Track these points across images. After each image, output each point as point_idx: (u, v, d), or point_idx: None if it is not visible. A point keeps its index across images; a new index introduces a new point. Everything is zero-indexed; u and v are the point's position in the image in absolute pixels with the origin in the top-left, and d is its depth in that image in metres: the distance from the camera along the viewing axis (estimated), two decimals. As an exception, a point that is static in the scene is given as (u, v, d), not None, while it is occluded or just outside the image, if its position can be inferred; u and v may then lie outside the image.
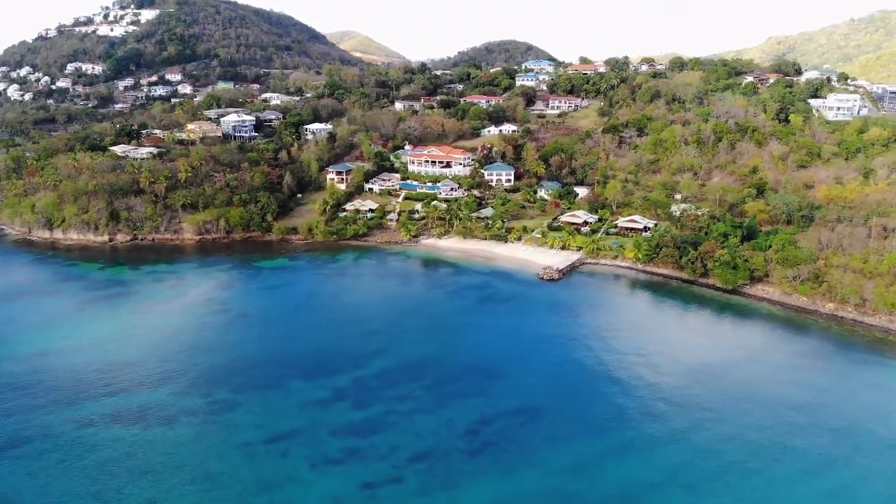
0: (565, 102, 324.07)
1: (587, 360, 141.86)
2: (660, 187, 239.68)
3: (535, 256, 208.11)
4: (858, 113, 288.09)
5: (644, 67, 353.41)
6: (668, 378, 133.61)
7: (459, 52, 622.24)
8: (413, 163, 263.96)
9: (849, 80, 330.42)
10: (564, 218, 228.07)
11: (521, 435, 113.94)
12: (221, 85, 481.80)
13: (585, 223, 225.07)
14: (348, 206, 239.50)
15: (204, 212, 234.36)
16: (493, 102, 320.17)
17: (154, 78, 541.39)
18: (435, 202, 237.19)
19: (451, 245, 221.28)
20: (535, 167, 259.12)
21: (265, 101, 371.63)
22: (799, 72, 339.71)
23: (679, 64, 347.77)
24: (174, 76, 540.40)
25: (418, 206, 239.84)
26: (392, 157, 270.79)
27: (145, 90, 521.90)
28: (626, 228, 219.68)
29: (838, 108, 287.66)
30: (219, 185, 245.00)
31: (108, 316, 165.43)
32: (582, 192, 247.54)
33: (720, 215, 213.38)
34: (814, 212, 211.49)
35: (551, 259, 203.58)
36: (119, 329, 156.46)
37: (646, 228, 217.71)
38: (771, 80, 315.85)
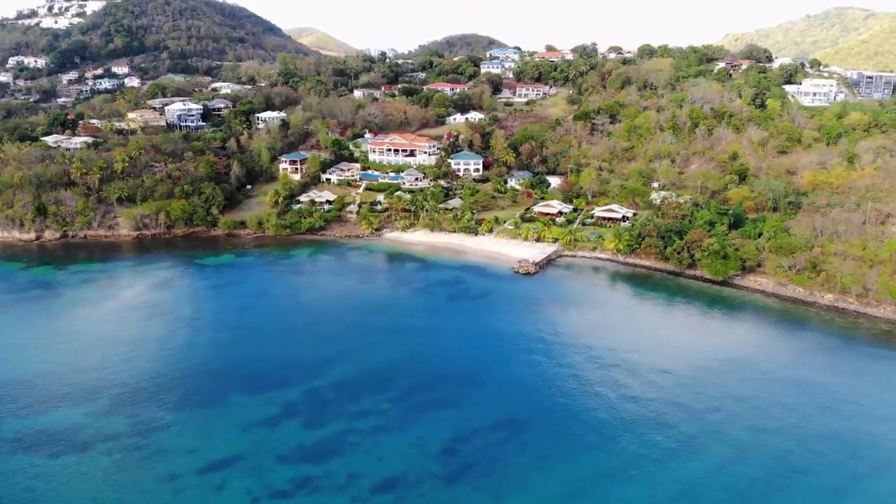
0: (533, 90, 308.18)
1: (573, 363, 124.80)
2: (636, 175, 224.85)
3: (508, 249, 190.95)
4: (835, 98, 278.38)
5: (612, 56, 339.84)
6: (663, 382, 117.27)
7: (420, 46, 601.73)
8: (374, 151, 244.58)
9: (821, 67, 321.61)
10: (538, 208, 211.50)
11: (506, 453, 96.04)
12: (171, 77, 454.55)
13: (560, 213, 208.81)
14: (303, 198, 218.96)
15: (142, 205, 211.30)
16: (458, 90, 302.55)
17: (99, 71, 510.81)
18: (399, 193, 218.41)
19: (418, 238, 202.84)
20: (504, 156, 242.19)
21: (215, 90, 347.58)
22: (770, 59, 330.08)
23: (648, 52, 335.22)
24: (121, 69, 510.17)
25: (380, 197, 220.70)
26: (351, 146, 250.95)
27: (90, 83, 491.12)
28: (604, 218, 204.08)
29: (814, 94, 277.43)
30: (159, 176, 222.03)
31: (24, 321, 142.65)
32: (555, 181, 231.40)
33: (703, 203, 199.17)
34: (801, 198, 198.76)
35: (526, 252, 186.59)
36: (34, 336, 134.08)
37: (624, 218, 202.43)
38: (743, 66, 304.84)
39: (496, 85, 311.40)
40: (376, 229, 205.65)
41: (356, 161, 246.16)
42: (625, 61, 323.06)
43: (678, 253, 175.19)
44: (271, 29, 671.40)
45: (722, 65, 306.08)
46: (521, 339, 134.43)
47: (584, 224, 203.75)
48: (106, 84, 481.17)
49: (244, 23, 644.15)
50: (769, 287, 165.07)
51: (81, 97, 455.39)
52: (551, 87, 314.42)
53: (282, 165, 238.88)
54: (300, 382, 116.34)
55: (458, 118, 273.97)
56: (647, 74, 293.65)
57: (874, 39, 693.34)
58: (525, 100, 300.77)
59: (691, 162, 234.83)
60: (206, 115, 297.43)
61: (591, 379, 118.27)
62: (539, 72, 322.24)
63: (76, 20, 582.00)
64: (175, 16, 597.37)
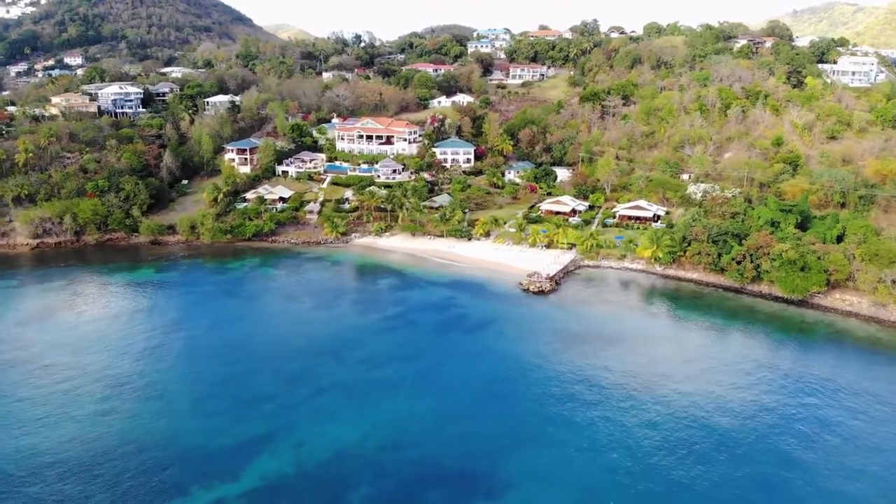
0: (528, 71, 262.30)
1: (637, 447, 78.70)
2: (662, 165, 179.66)
3: (511, 258, 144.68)
4: (875, 79, 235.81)
5: (615, 35, 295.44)
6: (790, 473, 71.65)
7: (400, 37, 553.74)
8: (342, 139, 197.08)
9: (850, 46, 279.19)
10: (545, 206, 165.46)
11: None
12: (113, 60, 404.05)
13: (574, 212, 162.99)
14: (250, 195, 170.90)
15: (44, 206, 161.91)
16: (442, 71, 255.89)
17: (51, 62, 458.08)
18: (372, 188, 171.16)
19: (395, 245, 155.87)
20: (500, 143, 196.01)
21: (163, 74, 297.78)
22: (791, 38, 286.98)
23: (656, 30, 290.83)
24: (74, 59, 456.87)
25: (348, 193, 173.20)
26: (315, 133, 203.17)
27: (40, 75, 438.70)
28: (630, 218, 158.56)
29: (853, 73, 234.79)
30: (70, 169, 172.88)
31: None
32: (562, 173, 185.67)
33: (757, 197, 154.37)
34: (873, 191, 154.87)
35: (535, 262, 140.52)
36: None
37: (656, 217, 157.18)
38: (767, 44, 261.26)
39: (486, 65, 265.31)
40: (342, 234, 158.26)
41: (321, 150, 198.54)
42: (632, 39, 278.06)
43: (738, 263, 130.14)
44: (240, 19, 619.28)
45: (743, 42, 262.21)
46: (548, 402, 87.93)
47: (604, 225, 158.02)
48: (57, 75, 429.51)
49: (210, 11, 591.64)
50: (864, 308, 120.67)
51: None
52: (549, 67, 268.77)
53: (227, 156, 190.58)
54: (196, 492, 69.05)
55: (443, 101, 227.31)
56: (661, 52, 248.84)
57: (869, 31, 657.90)
58: (520, 81, 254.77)
59: (725, 149, 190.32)
60: (148, 100, 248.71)
61: (676, 477, 72.23)
62: (535, 51, 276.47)
63: (29, 9, 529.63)
64: (135, 3, 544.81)
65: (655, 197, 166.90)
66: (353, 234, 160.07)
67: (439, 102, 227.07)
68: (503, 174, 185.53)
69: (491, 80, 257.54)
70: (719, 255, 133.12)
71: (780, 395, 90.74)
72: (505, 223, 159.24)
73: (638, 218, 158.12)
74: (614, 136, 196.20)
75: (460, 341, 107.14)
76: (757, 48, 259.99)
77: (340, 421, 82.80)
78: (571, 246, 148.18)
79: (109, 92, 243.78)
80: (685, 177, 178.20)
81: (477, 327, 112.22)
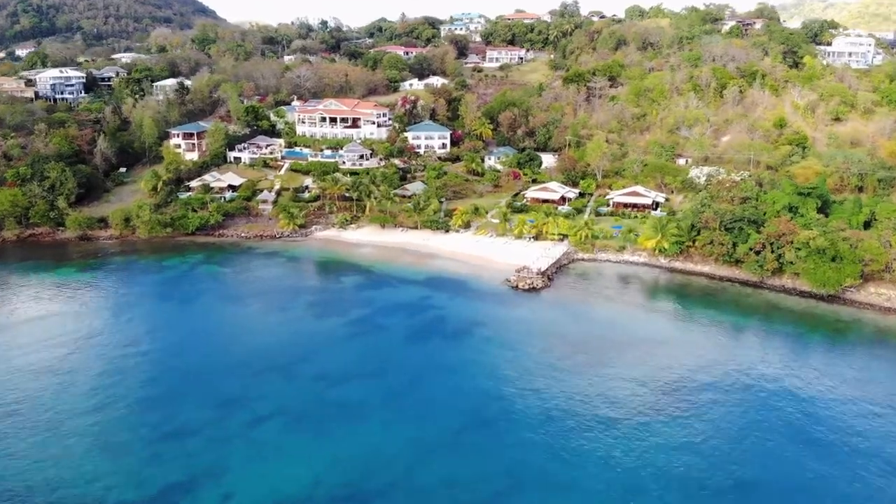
0: (506, 54, 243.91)
1: (674, 477, 59.98)
2: (656, 148, 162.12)
3: (496, 252, 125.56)
4: (872, 60, 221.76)
5: (596, 19, 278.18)
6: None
7: (370, 23, 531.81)
8: (303, 122, 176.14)
9: (839, 29, 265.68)
10: (531, 193, 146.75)
11: None
12: (59, 45, 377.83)
13: (564, 200, 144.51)
14: (195, 184, 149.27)
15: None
16: (414, 53, 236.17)
17: (2, 54, 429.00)
18: (336, 175, 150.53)
19: (362, 238, 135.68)
20: (478, 127, 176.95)
21: (112, 60, 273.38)
22: (779, 21, 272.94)
23: (638, 13, 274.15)
24: (25, 51, 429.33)
25: (308, 181, 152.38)
26: (273, 116, 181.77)
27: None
28: (626, 205, 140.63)
29: (850, 55, 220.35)
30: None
31: None
32: (547, 159, 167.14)
33: (769, 181, 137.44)
34: (893, 173, 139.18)
35: (522, 255, 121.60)
36: None
37: (655, 204, 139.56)
38: (757, 25, 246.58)
39: (461, 48, 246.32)
40: (301, 226, 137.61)
41: (279, 135, 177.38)
42: (615, 21, 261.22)
43: (757, 253, 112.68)
44: (203, 10, 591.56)
45: (731, 24, 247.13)
46: (552, 427, 68.80)
47: (597, 214, 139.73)
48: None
49: (171, 2, 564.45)
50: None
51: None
52: (528, 50, 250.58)
53: (173, 141, 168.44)
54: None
55: (415, 84, 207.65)
56: (647, 33, 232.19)
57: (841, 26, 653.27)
58: (497, 65, 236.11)
59: (722, 132, 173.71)
60: (91, 85, 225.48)
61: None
62: (512, 33, 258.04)
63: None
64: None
65: (653, 182, 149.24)
66: (314, 227, 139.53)
67: (411, 85, 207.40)
68: (483, 160, 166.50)
69: (466, 63, 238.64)
70: (734, 245, 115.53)
71: (849, 416, 72.86)
72: (487, 213, 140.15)
73: (635, 205, 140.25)
74: (602, 118, 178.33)
75: (439, 351, 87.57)
76: (746, 29, 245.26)
77: (285, 460, 62.79)
78: (563, 237, 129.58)
79: (48, 76, 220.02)
80: (681, 161, 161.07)
81: (459, 333, 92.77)
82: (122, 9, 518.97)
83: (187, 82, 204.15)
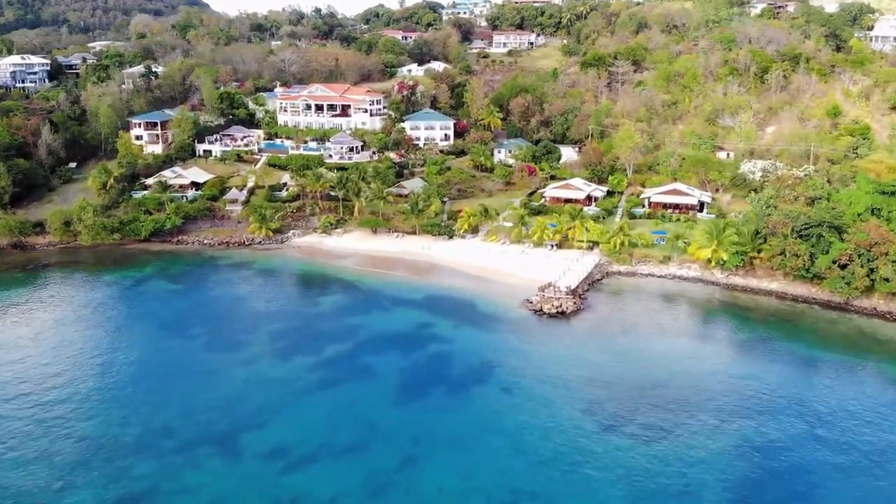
0: (515, 38, 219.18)
1: None
2: (694, 139, 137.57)
3: (511, 263, 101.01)
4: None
5: (612, 1, 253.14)
6: None
7: (366, 10, 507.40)
8: (285, 110, 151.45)
9: (876, 13, 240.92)
10: (551, 192, 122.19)
11: None
12: (24, 31, 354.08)
13: (590, 199, 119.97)
14: (152, 181, 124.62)
15: None
16: (413, 38, 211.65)
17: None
18: (319, 170, 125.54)
19: (349, 246, 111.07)
20: (486, 116, 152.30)
21: (86, 47, 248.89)
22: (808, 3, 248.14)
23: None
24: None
25: (286, 177, 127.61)
26: (252, 104, 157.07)
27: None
28: (667, 206, 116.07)
29: (895, 38, 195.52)
30: None
31: None
32: (567, 152, 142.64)
33: (839, 178, 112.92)
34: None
35: (545, 268, 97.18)
36: None
37: (701, 205, 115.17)
38: (790, 8, 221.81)
39: (465, 32, 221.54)
40: (275, 231, 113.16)
41: (258, 126, 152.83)
42: (633, 2, 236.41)
43: (842, 267, 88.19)
44: (195, 2, 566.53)
45: (762, 6, 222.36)
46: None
47: (631, 216, 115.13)
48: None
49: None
50: None
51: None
52: (538, 35, 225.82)
53: (134, 132, 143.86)
54: None
55: (414, 70, 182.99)
56: (671, 15, 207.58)
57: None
58: (505, 50, 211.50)
59: (767, 121, 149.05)
60: (57, 73, 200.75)
61: None
62: (521, 17, 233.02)
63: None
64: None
65: (696, 179, 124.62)
66: (291, 232, 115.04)
67: (409, 71, 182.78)
68: (492, 153, 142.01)
69: (471, 48, 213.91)
70: (811, 258, 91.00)
71: None
72: (498, 215, 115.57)
73: (677, 206, 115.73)
74: (629, 106, 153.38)
75: (443, 409, 63.06)
76: (778, 12, 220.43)
77: None
78: (593, 245, 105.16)
79: (7, 63, 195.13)
80: (722, 154, 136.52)
81: (469, 380, 68.26)
82: (109, 1, 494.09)
83: (157, 68, 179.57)
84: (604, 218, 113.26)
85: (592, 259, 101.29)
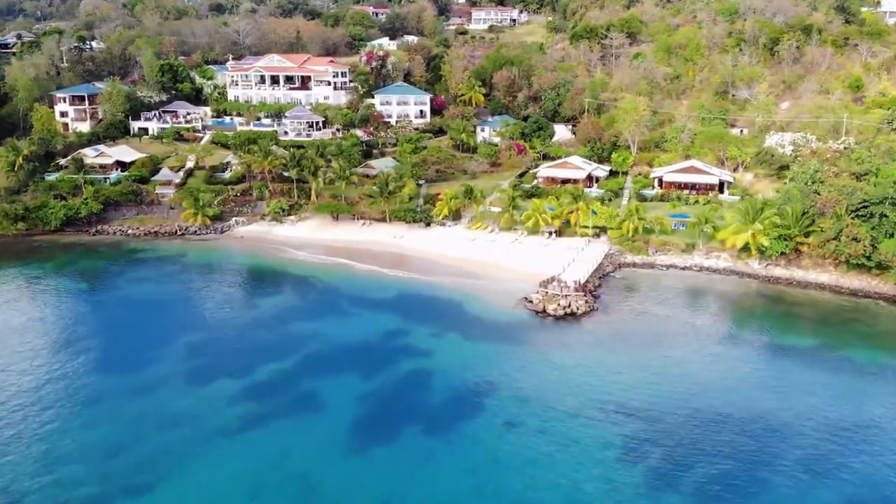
0: (496, 14, 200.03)
1: None
2: (703, 112, 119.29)
3: (503, 255, 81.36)
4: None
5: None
6: None
7: None
8: (236, 83, 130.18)
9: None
10: (546, 171, 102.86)
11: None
12: None
13: (592, 180, 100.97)
14: (67, 161, 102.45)
15: None
16: (384, 13, 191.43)
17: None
18: (274, 147, 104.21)
19: (305, 235, 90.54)
20: (466, 91, 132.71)
21: (30, 28, 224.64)
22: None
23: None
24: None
25: (230, 157, 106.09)
26: (198, 77, 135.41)
27: None
28: (682, 186, 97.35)
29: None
30: None
31: None
32: (560, 130, 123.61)
33: (884, 151, 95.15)
34: None
35: (544, 259, 77.93)
36: None
37: (721, 185, 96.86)
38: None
39: (441, 7, 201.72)
40: (215, 218, 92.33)
41: (206, 102, 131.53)
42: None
43: (916, 254, 70.17)
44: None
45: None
46: None
47: (643, 198, 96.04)
48: None
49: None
50: None
51: None
52: (521, 11, 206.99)
53: (59, 107, 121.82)
54: None
55: (385, 43, 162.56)
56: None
57: None
58: (485, 26, 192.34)
59: (782, 96, 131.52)
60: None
61: None
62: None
63: None
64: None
65: (712, 156, 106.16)
66: (235, 220, 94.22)
67: (379, 44, 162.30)
68: (474, 131, 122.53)
69: (448, 25, 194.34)
70: (873, 244, 72.83)
71: None
72: (484, 198, 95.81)
73: (694, 186, 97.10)
74: (627, 79, 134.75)
75: (418, 460, 43.23)
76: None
77: None
78: (599, 232, 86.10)
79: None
80: (735, 131, 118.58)
81: (456, 412, 48.46)
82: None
83: (96, 44, 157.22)
84: (610, 200, 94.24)
85: (601, 248, 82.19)
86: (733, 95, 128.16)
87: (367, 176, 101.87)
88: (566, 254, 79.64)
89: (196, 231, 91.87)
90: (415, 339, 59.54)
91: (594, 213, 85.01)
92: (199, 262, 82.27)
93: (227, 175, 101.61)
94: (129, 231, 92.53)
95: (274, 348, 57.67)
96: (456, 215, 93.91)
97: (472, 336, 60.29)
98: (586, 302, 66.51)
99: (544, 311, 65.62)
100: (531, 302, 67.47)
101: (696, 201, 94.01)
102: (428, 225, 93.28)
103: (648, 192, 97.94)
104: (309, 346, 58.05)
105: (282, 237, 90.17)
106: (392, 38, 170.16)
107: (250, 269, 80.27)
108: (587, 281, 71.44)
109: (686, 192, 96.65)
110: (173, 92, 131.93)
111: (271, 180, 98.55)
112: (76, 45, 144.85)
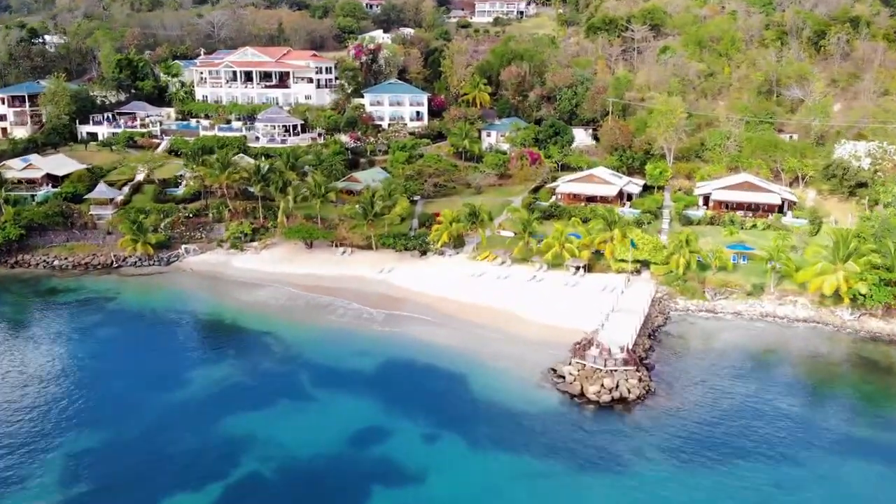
0: (501, 5, 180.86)
1: None
2: (747, 115, 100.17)
3: (518, 298, 62.22)
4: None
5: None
6: None
7: None
8: (204, 81, 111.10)
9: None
10: (567, 186, 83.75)
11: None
12: None
13: (624, 197, 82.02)
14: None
15: None
16: (379, 5, 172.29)
17: None
18: (237, 157, 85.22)
19: (269, 269, 71.46)
20: (470, 89, 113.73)
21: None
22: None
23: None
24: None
25: (184, 169, 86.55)
26: (162, 74, 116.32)
27: None
28: (735, 205, 78.27)
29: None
30: None
31: None
32: (579, 135, 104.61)
33: None
34: None
35: (571, 305, 59.05)
36: None
37: (785, 206, 77.90)
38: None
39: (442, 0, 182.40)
40: (160, 246, 73.42)
41: (170, 104, 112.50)
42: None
43: None
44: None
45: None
46: None
47: (687, 221, 76.99)
48: None
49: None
50: None
51: None
52: (529, 3, 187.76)
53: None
54: None
55: (377, 37, 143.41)
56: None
57: None
58: (490, 19, 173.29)
59: (836, 96, 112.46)
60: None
61: None
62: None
63: None
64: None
65: (766, 169, 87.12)
66: (186, 247, 75.21)
67: (371, 38, 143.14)
68: (479, 136, 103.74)
69: (449, 18, 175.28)
70: None
71: None
72: (492, 220, 76.73)
73: (749, 206, 78.17)
74: (655, 77, 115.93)
75: None
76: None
77: None
78: (639, 267, 67.13)
79: None
80: (784, 137, 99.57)
81: None
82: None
83: (53, 38, 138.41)
84: (648, 224, 75.32)
85: (646, 290, 63.23)
86: (778, 95, 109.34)
87: (350, 192, 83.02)
88: (601, 298, 60.78)
89: (136, 262, 73.05)
90: (399, 446, 40.67)
91: (634, 244, 65.93)
92: (130, 308, 63.38)
93: (179, 192, 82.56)
94: (56, 262, 73.59)
95: (190, 467, 38.84)
96: (458, 241, 75.02)
97: (481, 442, 41.41)
98: (640, 380, 47.61)
99: (582, 394, 46.72)
100: (562, 378, 48.60)
101: (754, 225, 75.22)
102: (424, 254, 74.45)
103: (694, 212, 79.04)
104: (242, 464, 39.19)
105: (241, 270, 71.25)
106: (386, 30, 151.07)
107: (192, 321, 61.32)
108: (636, 343, 52.53)
109: (741, 213, 77.76)
110: (133, 91, 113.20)
111: (232, 197, 79.59)
112: (23, 38, 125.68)
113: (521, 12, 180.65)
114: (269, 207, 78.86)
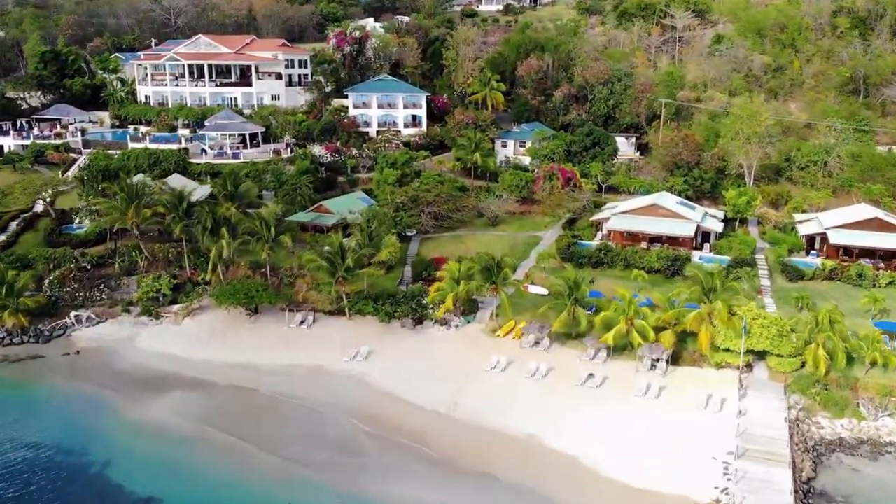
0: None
1: None
2: (840, 121, 75.44)
3: (570, 422, 38.13)
4: None
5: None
6: None
7: None
8: (150, 79, 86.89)
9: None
10: (619, 222, 59.24)
11: None
12: None
13: (702, 238, 57.75)
14: None
15: None
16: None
17: None
18: (154, 183, 60.66)
19: (191, 354, 47.53)
20: (479, 88, 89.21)
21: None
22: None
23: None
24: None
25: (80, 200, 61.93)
26: (98, 68, 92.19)
27: None
28: (859, 252, 54.02)
29: None
30: None
31: None
32: (622, 144, 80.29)
33: None
34: None
35: (655, 432, 35.01)
36: None
37: (929, 251, 53.61)
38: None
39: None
40: (38, 314, 49.31)
41: (106, 105, 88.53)
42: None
43: None
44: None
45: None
46: None
47: (797, 275, 52.77)
48: None
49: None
50: None
51: None
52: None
53: None
54: None
55: (366, 25, 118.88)
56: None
57: None
58: (499, 7, 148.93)
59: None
60: None
61: None
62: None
63: None
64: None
65: (888, 197, 62.85)
66: (77, 315, 51.06)
67: (359, 25, 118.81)
68: (493, 147, 79.68)
69: (453, 6, 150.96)
70: None
71: None
72: (514, 271, 52.59)
73: (871, 252, 53.94)
74: (710, 72, 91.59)
75: None
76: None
77: None
78: (751, 360, 42.86)
79: None
80: (881, 149, 75.42)
81: None
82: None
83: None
84: (742, 280, 51.02)
85: (775, 408, 38.95)
86: (867, 97, 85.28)
87: (318, 230, 59.08)
88: (707, 423, 36.70)
89: (2, 339, 49.17)
90: None
91: (746, 328, 41.58)
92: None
93: (80, 230, 58.46)
94: None
95: None
96: (469, 306, 51.01)
97: None
98: None
99: None
100: None
101: (891, 282, 51.18)
102: (419, 322, 50.46)
103: (804, 261, 54.82)
104: None
105: (148, 355, 47.30)
106: (377, 19, 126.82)
107: (26, 469, 37.18)
108: (797, 544, 28.42)
109: (865, 262, 53.66)
110: (61, 91, 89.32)
111: (153, 238, 55.51)
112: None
113: (536, 0, 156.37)
114: (200, 253, 54.79)
